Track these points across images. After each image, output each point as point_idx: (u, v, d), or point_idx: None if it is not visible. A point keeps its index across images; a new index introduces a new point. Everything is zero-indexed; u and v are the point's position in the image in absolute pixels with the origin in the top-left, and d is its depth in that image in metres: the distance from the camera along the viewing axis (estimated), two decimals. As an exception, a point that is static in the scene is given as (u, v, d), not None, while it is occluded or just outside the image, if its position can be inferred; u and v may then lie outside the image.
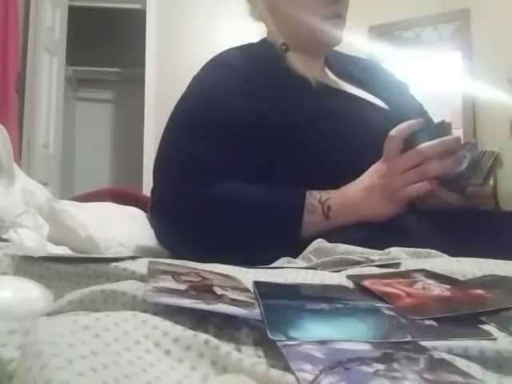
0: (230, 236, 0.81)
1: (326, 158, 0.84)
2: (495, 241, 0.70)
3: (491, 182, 0.83)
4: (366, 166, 0.83)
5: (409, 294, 0.45)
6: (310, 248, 0.71)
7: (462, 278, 0.51)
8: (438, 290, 0.47)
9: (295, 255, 0.70)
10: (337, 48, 1.00)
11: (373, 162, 0.83)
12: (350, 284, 0.50)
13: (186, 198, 0.82)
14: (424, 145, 0.77)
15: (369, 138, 0.85)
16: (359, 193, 0.81)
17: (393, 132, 0.79)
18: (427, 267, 0.55)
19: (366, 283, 0.49)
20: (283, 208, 0.81)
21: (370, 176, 0.82)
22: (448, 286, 0.47)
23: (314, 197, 0.81)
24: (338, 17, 0.92)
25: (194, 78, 0.95)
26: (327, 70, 1.02)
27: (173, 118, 0.91)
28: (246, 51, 0.96)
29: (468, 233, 0.73)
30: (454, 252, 0.62)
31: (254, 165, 0.84)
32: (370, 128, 0.88)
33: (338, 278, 0.52)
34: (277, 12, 0.94)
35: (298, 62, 0.90)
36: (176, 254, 0.85)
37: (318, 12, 0.90)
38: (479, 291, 0.45)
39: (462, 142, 0.80)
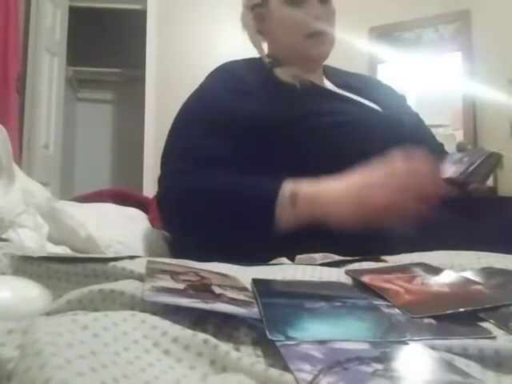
0: (207, 226, 0.82)
1: (315, 154, 0.87)
2: (492, 227, 0.73)
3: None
4: (357, 161, 0.83)
5: (408, 291, 0.45)
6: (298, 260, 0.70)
7: (460, 272, 0.51)
8: (436, 285, 0.47)
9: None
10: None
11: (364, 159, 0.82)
12: (348, 280, 0.50)
13: (172, 189, 0.87)
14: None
15: (361, 137, 0.88)
16: (334, 191, 0.77)
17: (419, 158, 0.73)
18: (426, 261, 0.55)
19: (365, 279, 0.49)
20: (256, 198, 0.80)
21: (358, 182, 0.77)
22: (447, 281, 0.47)
23: (289, 186, 0.79)
24: (321, 34, 0.98)
25: (199, 84, 1.03)
26: (326, 81, 1.07)
27: (176, 117, 0.97)
28: (246, 63, 1.05)
29: (465, 219, 0.76)
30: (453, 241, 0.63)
31: (250, 157, 0.87)
32: (362, 127, 0.91)
33: (337, 274, 0.52)
34: (267, 34, 1.06)
35: (285, 75, 0.98)
36: (178, 242, 0.93)
37: (301, 31, 0.98)
38: (478, 287, 0.45)
39: (472, 149, 0.86)
